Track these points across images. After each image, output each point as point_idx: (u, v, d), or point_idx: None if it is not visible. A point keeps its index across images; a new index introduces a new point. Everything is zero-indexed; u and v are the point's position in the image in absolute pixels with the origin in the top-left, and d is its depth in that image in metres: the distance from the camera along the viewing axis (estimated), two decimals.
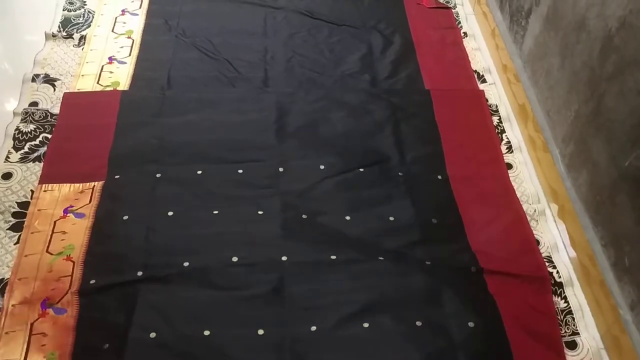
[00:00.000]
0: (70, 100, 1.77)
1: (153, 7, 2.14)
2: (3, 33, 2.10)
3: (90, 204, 1.50)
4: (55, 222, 1.46)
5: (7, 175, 1.56)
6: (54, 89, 1.81)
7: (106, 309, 1.29)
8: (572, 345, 1.33)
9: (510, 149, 1.77)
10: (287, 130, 1.74)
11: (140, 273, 1.35)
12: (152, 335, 1.25)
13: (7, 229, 1.45)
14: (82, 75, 1.87)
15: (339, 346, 1.26)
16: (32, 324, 1.27)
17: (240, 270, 1.37)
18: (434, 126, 1.79)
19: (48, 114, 1.73)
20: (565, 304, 1.40)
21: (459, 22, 2.22)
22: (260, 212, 1.50)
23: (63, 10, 2.10)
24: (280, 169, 1.62)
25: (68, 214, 1.48)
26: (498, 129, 1.83)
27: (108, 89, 1.83)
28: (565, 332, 1.35)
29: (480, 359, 1.27)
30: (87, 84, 1.84)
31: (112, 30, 2.05)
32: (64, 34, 2.00)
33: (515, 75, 1.99)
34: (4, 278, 1.35)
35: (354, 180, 1.61)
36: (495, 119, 1.86)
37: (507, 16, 2.11)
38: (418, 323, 1.31)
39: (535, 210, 1.59)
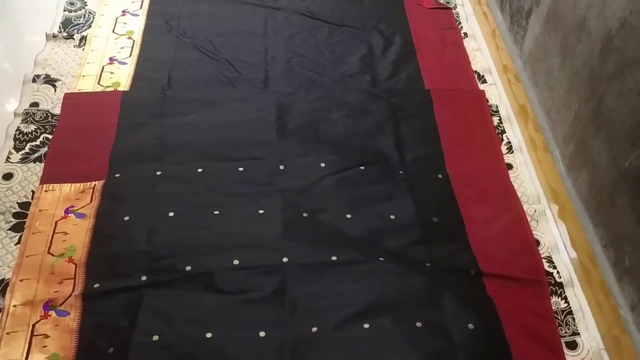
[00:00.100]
0: (71, 100, 1.77)
1: (153, 8, 2.14)
2: (4, 33, 2.10)
3: (91, 203, 1.50)
4: (56, 223, 1.46)
5: (8, 176, 1.56)
6: (55, 90, 1.81)
7: (110, 313, 1.29)
8: (573, 346, 1.33)
9: (510, 149, 1.77)
10: (287, 129, 1.74)
11: (144, 278, 1.35)
12: (155, 338, 1.25)
13: (7, 230, 1.45)
14: (83, 76, 1.87)
15: (340, 347, 1.26)
16: (33, 325, 1.27)
17: (241, 274, 1.37)
18: (434, 126, 1.79)
19: (49, 114, 1.73)
20: (566, 304, 1.40)
21: (459, 23, 2.22)
22: (261, 212, 1.50)
23: (64, 10, 2.10)
24: (281, 167, 1.62)
25: (69, 215, 1.48)
26: (498, 129, 1.83)
27: (109, 89, 1.83)
28: (566, 332, 1.35)
29: None
30: (87, 85, 1.84)
31: (113, 31, 2.05)
32: (65, 34, 2.00)
33: (516, 75, 1.99)
34: (4, 278, 1.35)
35: (355, 178, 1.61)
36: (495, 119, 1.86)
37: (508, 17, 2.11)
38: (418, 324, 1.31)
39: (535, 211, 1.59)
